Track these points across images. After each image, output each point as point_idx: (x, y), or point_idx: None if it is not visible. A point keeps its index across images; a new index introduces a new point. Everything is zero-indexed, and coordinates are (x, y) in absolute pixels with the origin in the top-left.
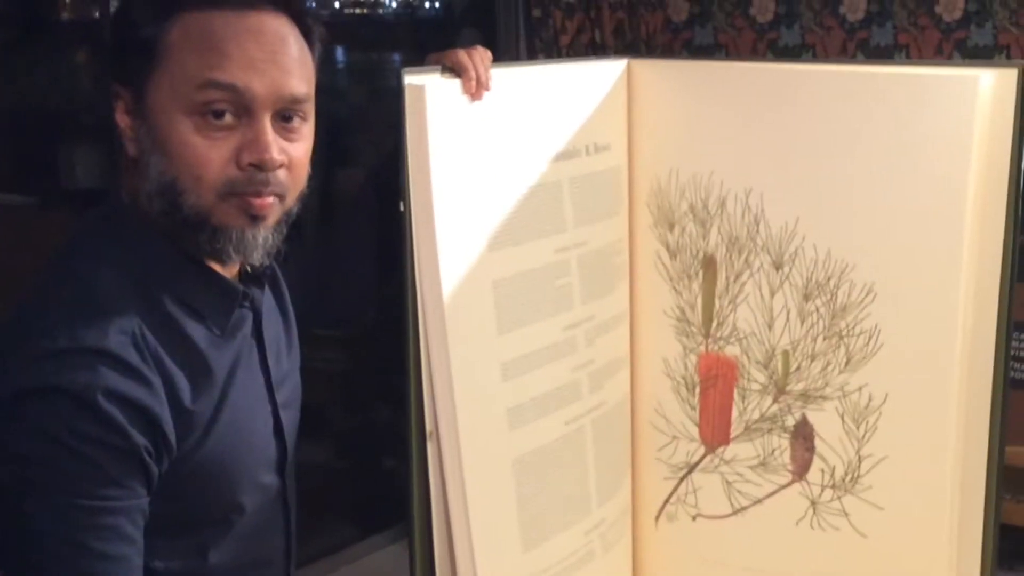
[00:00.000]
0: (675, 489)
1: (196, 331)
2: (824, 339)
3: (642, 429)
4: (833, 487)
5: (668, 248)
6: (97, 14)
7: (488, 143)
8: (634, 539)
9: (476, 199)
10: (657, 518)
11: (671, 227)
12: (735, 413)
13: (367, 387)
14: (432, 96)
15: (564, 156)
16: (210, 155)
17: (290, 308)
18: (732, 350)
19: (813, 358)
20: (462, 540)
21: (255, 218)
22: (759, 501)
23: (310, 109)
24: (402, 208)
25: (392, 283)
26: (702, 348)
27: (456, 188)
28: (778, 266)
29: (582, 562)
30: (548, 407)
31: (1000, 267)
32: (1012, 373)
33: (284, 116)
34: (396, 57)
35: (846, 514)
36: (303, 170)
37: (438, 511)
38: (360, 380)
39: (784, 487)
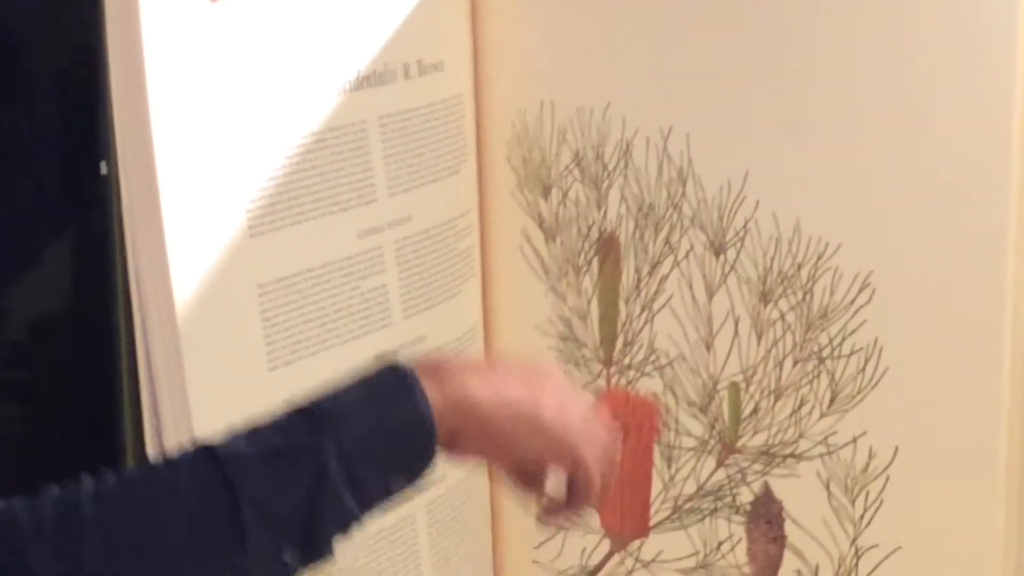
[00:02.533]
0: None
1: None
2: (795, 364)
3: (509, 516)
4: None
5: (542, 225)
6: None
7: (243, 65)
8: None
9: (225, 155)
10: None
11: (546, 191)
12: (657, 486)
13: (56, 463)
14: None
15: (368, 82)
16: None
17: None
18: (650, 385)
19: (778, 395)
20: None
21: None
22: None
23: None
24: (104, 170)
25: (90, 292)
26: (601, 382)
27: (192, 138)
28: (718, 249)
29: None
30: None
31: None
32: None
33: None
34: None
35: None
36: None
37: None
38: (45, 451)
39: None
